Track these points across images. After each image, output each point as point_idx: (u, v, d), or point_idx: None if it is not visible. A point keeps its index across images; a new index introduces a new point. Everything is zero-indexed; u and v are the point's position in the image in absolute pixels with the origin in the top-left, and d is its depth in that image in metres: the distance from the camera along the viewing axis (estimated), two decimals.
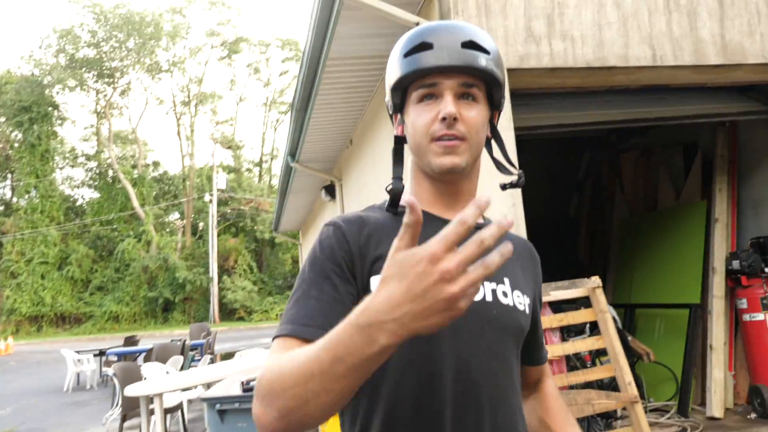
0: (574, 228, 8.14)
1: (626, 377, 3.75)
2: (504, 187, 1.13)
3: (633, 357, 5.06)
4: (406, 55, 1.02)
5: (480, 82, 1.02)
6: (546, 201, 7.73)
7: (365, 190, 6.69)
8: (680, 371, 5.18)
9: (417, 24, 3.72)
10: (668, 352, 5.39)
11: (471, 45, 1.00)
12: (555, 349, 3.81)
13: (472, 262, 0.63)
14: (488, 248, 0.63)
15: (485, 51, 1.01)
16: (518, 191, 3.56)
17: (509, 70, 3.78)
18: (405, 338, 0.66)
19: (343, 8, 3.89)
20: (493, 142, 1.12)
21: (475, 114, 1.01)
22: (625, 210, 6.97)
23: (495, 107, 1.08)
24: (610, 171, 7.45)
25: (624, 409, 4.09)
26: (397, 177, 1.07)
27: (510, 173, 1.10)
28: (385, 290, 0.66)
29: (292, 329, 0.89)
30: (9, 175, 35.41)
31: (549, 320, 3.83)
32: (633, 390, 3.71)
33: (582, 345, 3.90)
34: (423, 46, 1.00)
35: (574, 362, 4.42)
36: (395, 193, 1.05)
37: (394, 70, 1.04)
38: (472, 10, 3.74)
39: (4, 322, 29.28)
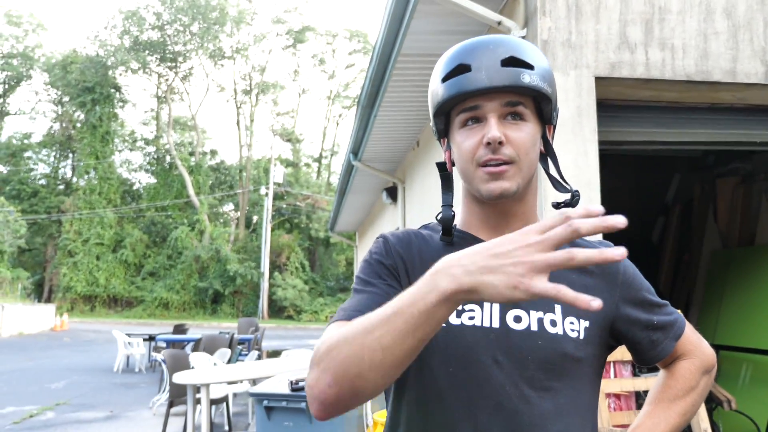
0: (656, 255, 7.88)
1: (702, 423, 3.61)
2: (557, 206, 1.12)
3: (712, 402, 4.89)
4: (444, 79, 1.05)
5: (527, 99, 1.03)
6: (628, 222, 7.51)
7: (428, 196, 6.70)
8: (765, 425, 4.96)
9: (499, 23, 3.71)
10: (753, 402, 5.18)
11: (512, 62, 1.01)
12: (625, 383, 3.75)
13: (560, 246, 0.72)
14: (579, 236, 0.72)
15: (528, 66, 1.01)
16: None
17: (598, 78, 3.71)
18: (464, 288, 0.74)
19: (420, 2, 3.90)
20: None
21: (523, 134, 1.02)
22: (718, 242, 6.69)
23: (546, 121, 1.09)
24: (704, 197, 7.17)
25: None
26: (447, 204, 1.10)
27: (566, 191, 1.09)
28: (470, 248, 0.77)
29: (345, 315, 0.97)
30: (70, 155, 37.39)
31: (621, 352, 3.75)
32: None
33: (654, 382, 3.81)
34: (460, 69, 1.02)
35: (644, 400, 4.33)
36: (446, 222, 1.09)
37: (433, 96, 1.08)
38: (561, 10, 3.69)
39: (60, 299, 31.17)
